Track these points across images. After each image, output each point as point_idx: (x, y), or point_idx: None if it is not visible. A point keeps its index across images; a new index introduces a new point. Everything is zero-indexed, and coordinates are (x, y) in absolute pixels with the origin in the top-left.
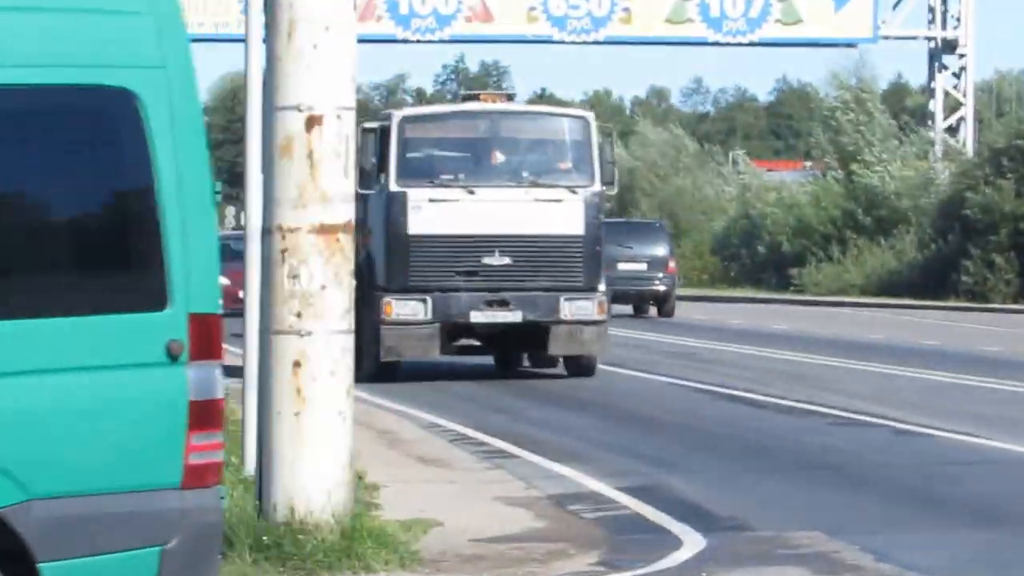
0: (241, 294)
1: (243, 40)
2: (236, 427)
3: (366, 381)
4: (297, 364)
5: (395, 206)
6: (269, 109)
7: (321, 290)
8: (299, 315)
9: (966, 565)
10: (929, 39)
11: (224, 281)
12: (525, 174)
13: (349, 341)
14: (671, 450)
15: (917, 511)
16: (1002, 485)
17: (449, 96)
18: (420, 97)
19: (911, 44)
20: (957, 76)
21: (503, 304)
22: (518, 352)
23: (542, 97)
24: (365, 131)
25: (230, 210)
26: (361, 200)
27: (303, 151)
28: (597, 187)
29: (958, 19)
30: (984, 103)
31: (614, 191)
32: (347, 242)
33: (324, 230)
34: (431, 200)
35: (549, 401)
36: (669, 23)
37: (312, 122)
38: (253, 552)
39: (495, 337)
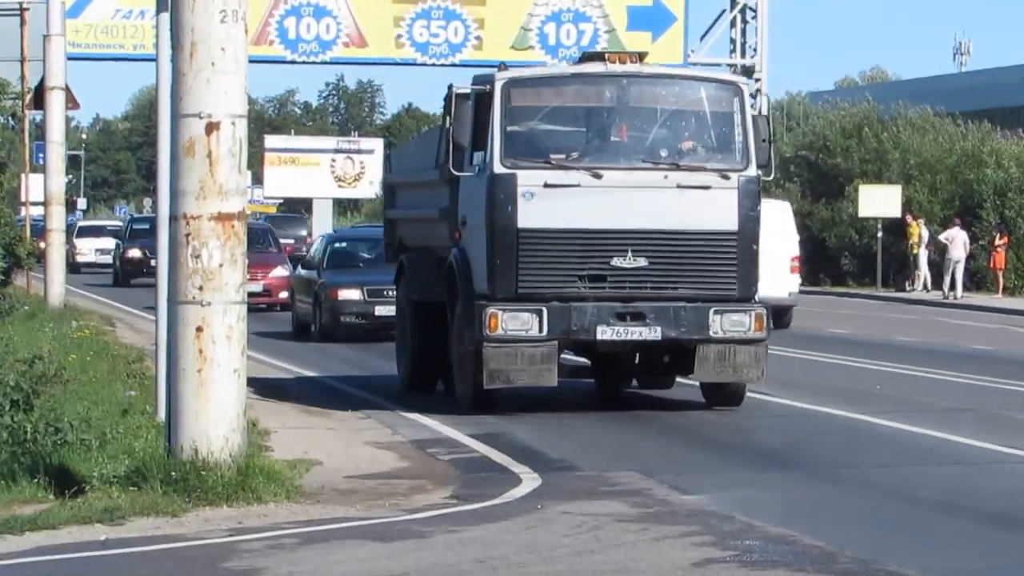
0: None
1: (154, 59)
2: (150, 382)
3: (459, 413)
4: (199, 329)
5: (500, 192)
6: (175, 116)
7: (219, 268)
8: (201, 288)
9: (757, 499)
10: (731, 65)
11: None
12: (663, 153)
13: (243, 310)
14: (517, 403)
15: (719, 456)
16: (797, 434)
17: (331, 109)
18: (307, 110)
19: (716, 70)
20: (754, 97)
21: (638, 317)
22: (647, 378)
23: (409, 111)
24: (459, 98)
25: (147, 201)
26: (452, 185)
27: (203, 152)
28: (753, 171)
29: (755, 48)
30: (777, 120)
31: (770, 176)
32: (241, 228)
33: (221, 218)
34: (547, 185)
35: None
36: (514, 49)
37: (211, 128)
38: (163, 485)
39: (618, 358)
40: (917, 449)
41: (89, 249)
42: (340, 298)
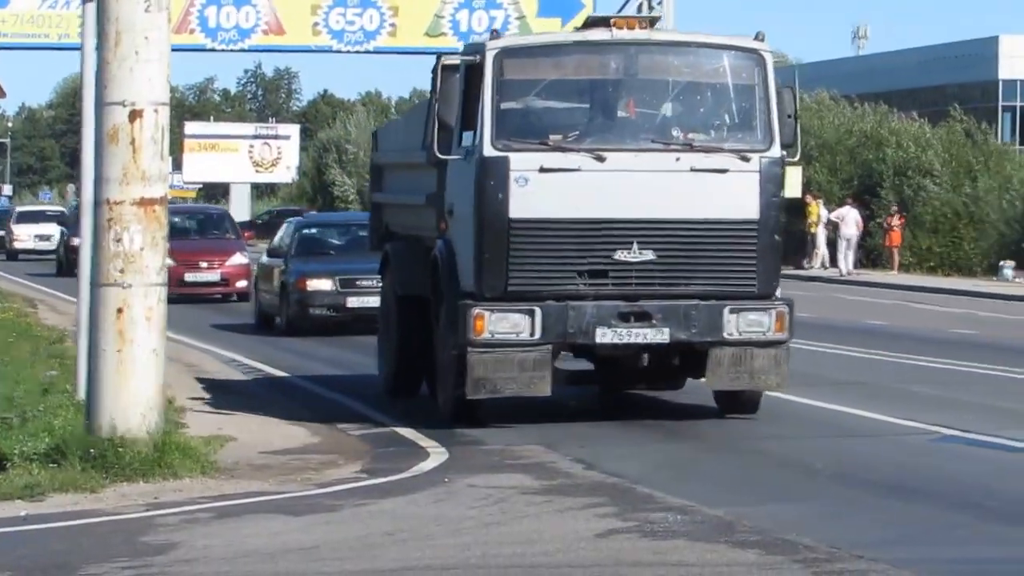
0: (188, 276)
1: (79, 48)
2: (71, 361)
3: (439, 427)
4: (120, 311)
5: (490, 177)
6: (100, 104)
7: (140, 251)
8: (122, 271)
9: (653, 470)
10: None
11: (167, 262)
12: (675, 132)
13: (163, 293)
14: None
15: (620, 429)
16: (693, 407)
17: (249, 96)
18: (226, 97)
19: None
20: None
21: (643, 318)
22: (655, 383)
23: (324, 97)
24: (445, 70)
25: (71, 187)
26: (440, 169)
27: (127, 139)
28: (776, 152)
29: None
30: None
31: (795, 157)
32: (162, 213)
33: (143, 203)
34: (542, 169)
35: (335, 344)
36: (428, 36)
37: (134, 115)
38: (82, 462)
39: (622, 362)
40: (812, 421)
41: (28, 235)
42: (309, 288)
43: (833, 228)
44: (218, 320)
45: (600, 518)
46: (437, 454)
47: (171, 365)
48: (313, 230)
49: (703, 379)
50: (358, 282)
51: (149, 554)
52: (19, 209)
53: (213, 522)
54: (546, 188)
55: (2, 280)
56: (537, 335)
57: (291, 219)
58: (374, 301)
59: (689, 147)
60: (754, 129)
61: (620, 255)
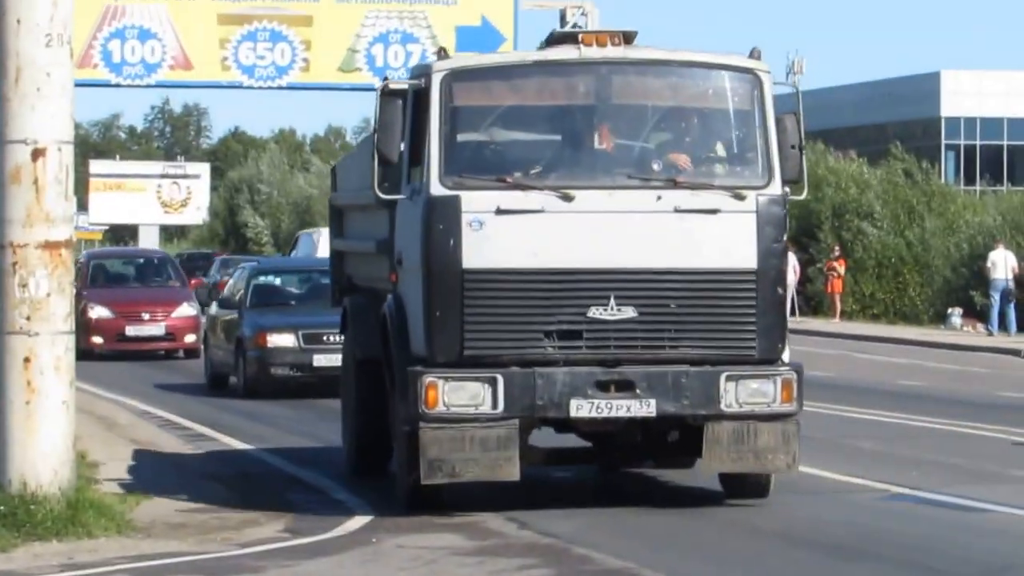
0: (128, 330)
1: None
2: None
3: (397, 513)
4: (27, 360)
5: (439, 220)
6: (1, 143)
7: (47, 297)
8: (28, 318)
9: (588, 529)
10: None
11: (105, 313)
12: (656, 166)
13: (71, 341)
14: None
15: (552, 487)
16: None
17: (156, 133)
18: (132, 134)
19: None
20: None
21: (625, 387)
22: (644, 461)
23: (235, 135)
24: (387, 95)
25: None
26: (389, 211)
27: (30, 179)
28: (777, 188)
29: None
30: None
31: (802, 195)
32: (68, 256)
33: (49, 246)
34: (499, 211)
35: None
36: (341, 71)
37: (37, 154)
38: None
39: (607, 438)
40: None
41: None
42: (270, 345)
43: None
44: (161, 379)
45: None
46: (364, 512)
47: (90, 420)
48: (270, 277)
49: (701, 462)
50: (324, 337)
51: None
52: None
53: None
54: (505, 233)
55: None
56: (500, 408)
57: (243, 265)
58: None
59: (673, 183)
60: (750, 162)
61: (595, 312)
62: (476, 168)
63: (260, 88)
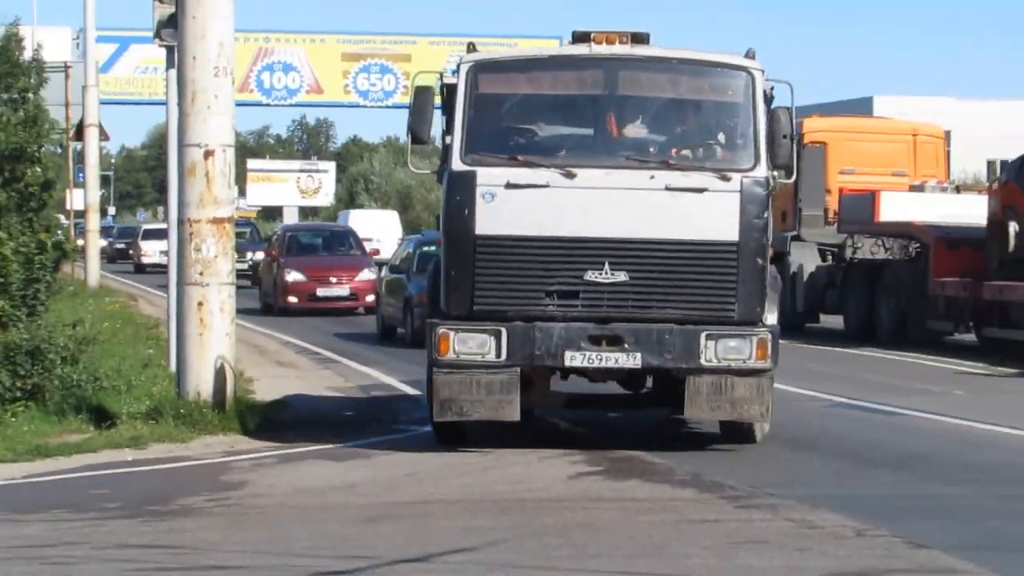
0: (319, 291)
1: (165, 103)
2: (164, 343)
3: (427, 448)
4: (200, 303)
5: (457, 192)
6: (181, 146)
7: (214, 258)
8: (201, 273)
9: (607, 429)
10: None
11: (299, 276)
12: (653, 150)
13: (232, 290)
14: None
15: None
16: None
17: (296, 140)
18: (278, 140)
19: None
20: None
21: (615, 341)
22: (636, 408)
23: (354, 141)
24: (421, 86)
25: (160, 209)
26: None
27: (202, 172)
28: (762, 171)
29: None
30: None
31: (791, 179)
32: (231, 228)
33: (216, 221)
34: (510, 185)
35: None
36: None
37: (207, 154)
38: (174, 420)
39: (624, 384)
40: None
41: (154, 251)
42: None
43: None
44: (340, 330)
45: (572, 464)
46: None
47: (249, 348)
48: (434, 247)
49: (682, 411)
50: None
51: (227, 489)
52: (145, 227)
53: (276, 466)
54: (514, 204)
55: (109, 280)
56: (503, 357)
57: (410, 237)
58: None
59: (666, 165)
60: (739, 148)
61: (591, 275)
62: (492, 147)
63: (372, 107)
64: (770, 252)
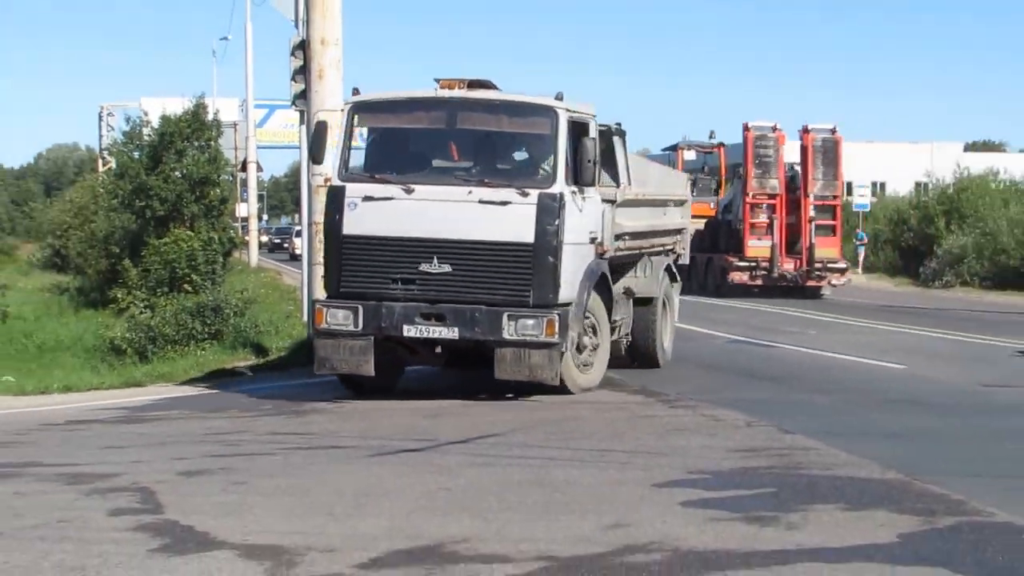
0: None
1: (299, 147)
2: (299, 302)
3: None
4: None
5: (333, 203)
6: (309, 175)
7: None
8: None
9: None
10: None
11: None
12: (475, 171)
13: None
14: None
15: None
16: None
17: None
18: None
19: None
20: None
21: (439, 318)
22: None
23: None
24: (319, 122)
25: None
26: None
27: (324, 191)
28: (557, 189)
29: None
30: None
31: (584, 195)
32: None
33: None
34: (366, 197)
35: None
36: None
37: (325, 180)
38: (307, 352)
39: (443, 355)
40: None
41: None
42: None
43: None
44: None
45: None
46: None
47: None
48: None
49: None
50: None
51: (341, 399)
52: (296, 228)
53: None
54: (370, 212)
55: (265, 263)
56: (360, 327)
57: None
58: None
59: (481, 183)
60: (538, 171)
61: (424, 267)
62: (360, 169)
63: None
64: (573, 249)
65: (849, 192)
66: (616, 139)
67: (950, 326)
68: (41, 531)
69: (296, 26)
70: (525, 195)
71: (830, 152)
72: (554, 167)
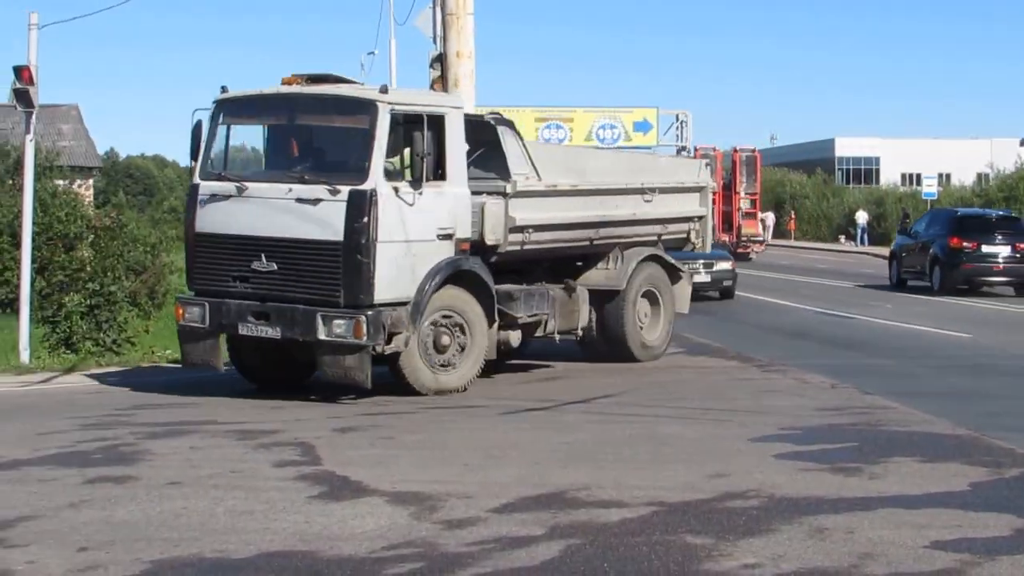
0: None
1: None
2: None
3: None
4: None
5: (189, 201)
6: None
7: None
8: None
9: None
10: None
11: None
12: (298, 169)
13: None
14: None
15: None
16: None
17: None
18: None
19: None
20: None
21: (266, 318)
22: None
23: None
24: (195, 123)
25: None
26: None
27: None
28: (368, 185)
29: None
30: None
31: (418, 189)
32: None
33: None
34: (212, 196)
35: None
36: (586, 141)
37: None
38: None
39: (270, 354)
40: (756, 305)
41: None
42: None
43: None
44: None
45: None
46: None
47: None
48: None
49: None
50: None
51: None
52: None
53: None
54: (214, 210)
55: None
56: (207, 324)
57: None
58: None
59: (302, 180)
60: (352, 167)
61: (255, 265)
62: (214, 167)
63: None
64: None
65: (918, 183)
66: (504, 130)
67: (1010, 300)
68: (215, 480)
69: (434, 41)
70: (337, 192)
71: (752, 164)
72: (368, 162)
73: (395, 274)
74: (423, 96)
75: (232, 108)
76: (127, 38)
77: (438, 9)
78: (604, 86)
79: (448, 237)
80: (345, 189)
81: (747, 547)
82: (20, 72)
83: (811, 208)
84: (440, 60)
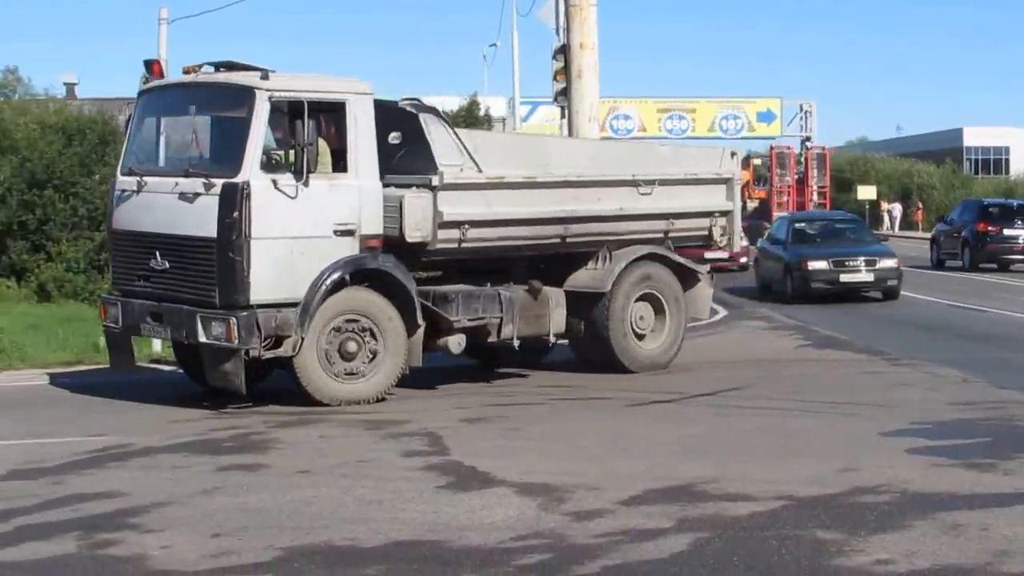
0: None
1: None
2: None
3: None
4: None
5: (110, 197)
6: None
7: None
8: None
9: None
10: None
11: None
12: (186, 159)
13: None
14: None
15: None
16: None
17: None
18: None
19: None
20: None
21: (159, 319)
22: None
23: None
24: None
25: None
26: None
27: None
28: (243, 178)
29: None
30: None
31: (302, 180)
32: None
33: None
34: (123, 191)
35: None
36: (709, 132)
37: None
38: None
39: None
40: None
41: None
42: (810, 267)
43: (890, 213)
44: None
45: (795, 339)
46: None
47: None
48: (803, 224)
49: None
50: (847, 263)
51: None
52: None
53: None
54: (126, 206)
55: None
56: (120, 323)
57: (783, 216)
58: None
59: (186, 173)
60: (226, 159)
61: (152, 263)
62: (131, 161)
63: (674, 139)
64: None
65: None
66: (427, 117)
67: None
68: (344, 469)
69: (556, 33)
70: (211, 186)
71: (822, 160)
72: (242, 153)
73: (277, 273)
74: (317, 81)
75: (146, 100)
76: (255, 33)
77: (561, 0)
78: (728, 79)
79: (349, 233)
80: (219, 183)
81: (879, 543)
82: (151, 66)
83: (939, 199)
84: (563, 51)
